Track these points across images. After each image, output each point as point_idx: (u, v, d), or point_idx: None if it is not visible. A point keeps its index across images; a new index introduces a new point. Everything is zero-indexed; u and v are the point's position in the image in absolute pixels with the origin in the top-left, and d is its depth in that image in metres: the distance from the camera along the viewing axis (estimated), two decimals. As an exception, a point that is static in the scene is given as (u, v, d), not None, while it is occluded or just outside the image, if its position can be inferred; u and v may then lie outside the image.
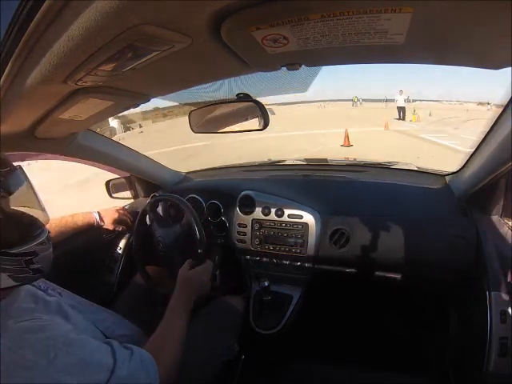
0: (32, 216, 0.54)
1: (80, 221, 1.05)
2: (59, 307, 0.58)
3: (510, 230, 0.87)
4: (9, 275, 0.48)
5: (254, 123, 0.77)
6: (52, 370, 0.43)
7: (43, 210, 0.58)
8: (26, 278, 0.51)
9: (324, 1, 0.34)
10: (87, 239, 1.11)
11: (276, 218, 1.10)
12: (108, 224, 1.12)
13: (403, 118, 13.25)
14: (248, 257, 1.18)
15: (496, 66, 0.48)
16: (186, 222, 1.00)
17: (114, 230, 1.15)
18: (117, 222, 1.15)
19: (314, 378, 0.86)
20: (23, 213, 0.53)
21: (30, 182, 0.56)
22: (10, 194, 0.50)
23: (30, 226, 0.53)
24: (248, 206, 1.15)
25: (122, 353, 0.53)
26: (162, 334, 0.67)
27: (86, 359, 0.48)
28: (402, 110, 13.40)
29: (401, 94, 13.37)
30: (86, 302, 0.73)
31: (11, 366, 0.42)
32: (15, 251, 0.49)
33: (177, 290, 0.80)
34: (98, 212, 1.10)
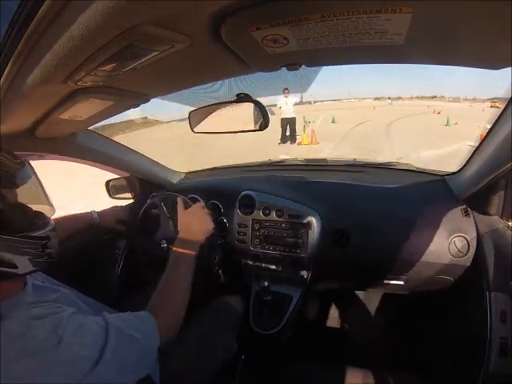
0: (35, 209, 0.56)
1: (79, 221, 1.04)
2: (68, 298, 0.60)
3: (509, 230, 0.87)
4: (29, 259, 0.50)
5: (254, 124, 0.77)
6: (63, 345, 0.45)
7: (50, 204, 0.60)
8: (42, 264, 0.53)
9: (324, 1, 0.34)
10: (87, 239, 1.11)
11: (276, 219, 1.10)
12: (108, 224, 1.12)
13: (293, 140, 7.66)
14: (248, 257, 1.18)
15: (496, 66, 0.48)
16: None
17: (113, 229, 1.15)
18: (117, 221, 1.15)
19: (314, 378, 0.86)
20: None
21: (37, 177, 0.58)
22: (17, 186, 0.52)
23: (38, 215, 0.55)
24: (248, 206, 1.15)
25: (112, 317, 0.56)
26: (162, 290, 0.69)
27: (86, 327, 0.50)
28: (290, 124, 7.51)
29: (287, 96, 7.18)
30: (89, 300, 0.74)
31: (23, 350, 0.43)
32: (34, 234, 0.51)
33: (179, 236, 0.82)
34: (98, 212, 1.10)
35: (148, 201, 1.12)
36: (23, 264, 0.49)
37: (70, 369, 0.45)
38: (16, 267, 0.48)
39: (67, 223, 1.00)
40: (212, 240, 1.03)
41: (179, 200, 0.93)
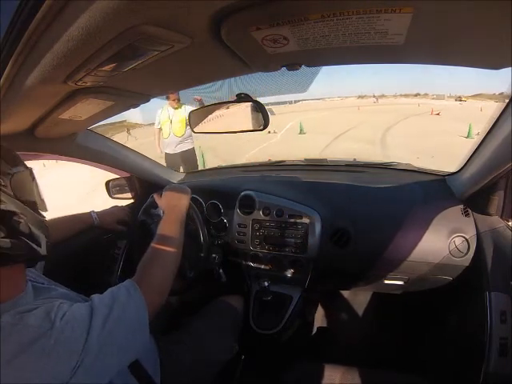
0: None
1: (79, 221, 1.04)
2: (68, 297, 0.58)
3: (509, 230, 0.87)
4: (47, 242, 0.52)
5: (254, 124, 0.77)
6: (55, 328, 0.45)
7: (44, 209, 0.59)
8: (49, 251, 0.54)
9: (324, 1, 0.34)
10: (86, 240, 1.11)
11: (276, 218, 1.10)
12: (107, 224, 1.12)
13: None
14: (248, 257, 1.18)
15: (496, 65, 0.48)
16: (187, 222, 1.01)
17: (113, 230, 1.15)
18: (116, 222, 1.15)
19: (314, 378, 0.86)
20: None
21: (36, 183, 0.58)
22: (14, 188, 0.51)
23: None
24: (248, 206, 1.15)
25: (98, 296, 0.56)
26: (147, 259, 0.69)
27: (75, 309, 0.50)
28: (185, 162, 3.35)
29: (177, 106, 3.15)
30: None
31: (20, 341, 0.43)
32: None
33: (165, 212, 0.88)
34: (97, 212, 1.10)
35: (148, 200, 1.12)
36: (44, 245, 0.51)
37: (66, 350, 0.45)
38: (40, 246, 0.49)
39: (66, 224, 1.00)
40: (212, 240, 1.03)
41: (155, 196, 0.98)
